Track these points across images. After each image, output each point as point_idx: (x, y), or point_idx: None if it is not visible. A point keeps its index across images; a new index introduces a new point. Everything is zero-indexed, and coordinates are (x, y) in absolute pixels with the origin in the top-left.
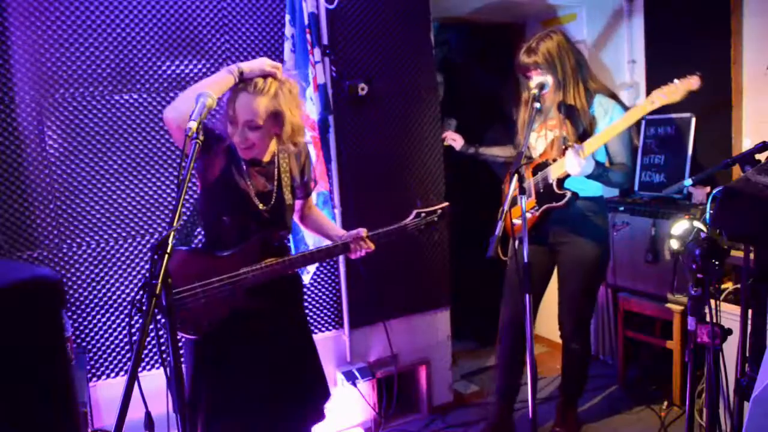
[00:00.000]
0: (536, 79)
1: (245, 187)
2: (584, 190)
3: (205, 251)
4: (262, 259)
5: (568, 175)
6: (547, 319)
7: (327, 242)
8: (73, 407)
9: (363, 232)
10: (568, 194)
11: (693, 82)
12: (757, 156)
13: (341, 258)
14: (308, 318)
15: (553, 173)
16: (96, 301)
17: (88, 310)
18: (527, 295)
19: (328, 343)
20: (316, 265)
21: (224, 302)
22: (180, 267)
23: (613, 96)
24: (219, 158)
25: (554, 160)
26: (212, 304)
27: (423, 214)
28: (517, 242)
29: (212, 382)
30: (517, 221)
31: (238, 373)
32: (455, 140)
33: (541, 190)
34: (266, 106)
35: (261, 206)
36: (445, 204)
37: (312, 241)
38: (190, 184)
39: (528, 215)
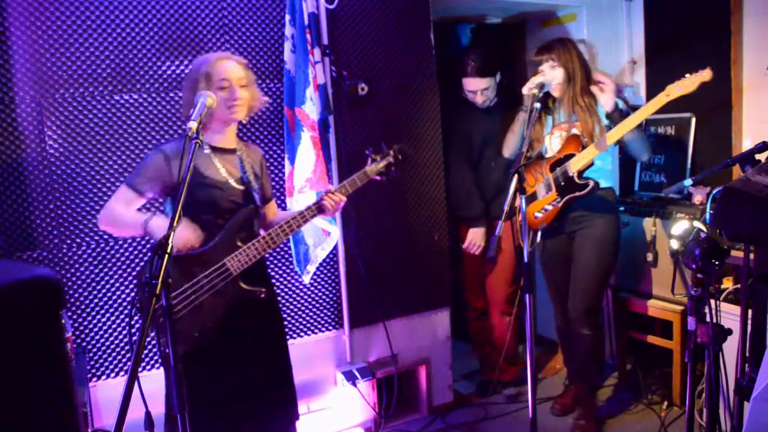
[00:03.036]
0: (547, 71)
1: (221, 176)
2: (597, 180)
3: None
4: (243, 241)
5: (587, 167)
6: (549, 320)
7: None
8: (73, 407)
9: (331, 188)
10: (591, 183)
11: (705, 75)
12: (757, 156)
13: (341, 258)
14: (307, 319)
15: (573, 166)
16: (96, 301)
17: (88, 310)
18: (527, 295)
19: (328, 343)
20: (316, 265)
21: (215, 305)
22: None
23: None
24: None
25: (573, 155)
26: (203, 308)
27: (378, 158)
28: (538, 235)
29: (197, 381)
30: (539, 215)
31: (224, 371)
32: None
33: (562, 183)
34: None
35: (238, 187)
36: (397, 146)
37: (312, 240)
38: (148, 205)
39: (550, 207)
